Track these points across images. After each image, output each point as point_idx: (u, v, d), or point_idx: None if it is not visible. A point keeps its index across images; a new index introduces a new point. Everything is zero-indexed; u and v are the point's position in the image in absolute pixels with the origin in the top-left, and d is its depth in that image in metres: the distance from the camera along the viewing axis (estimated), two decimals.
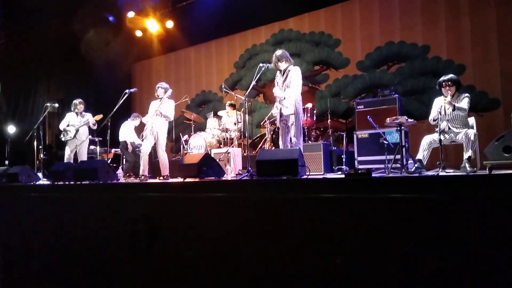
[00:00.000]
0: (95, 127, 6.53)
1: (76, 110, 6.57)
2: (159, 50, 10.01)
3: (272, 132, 6.52)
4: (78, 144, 6.48)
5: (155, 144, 5.57)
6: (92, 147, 7.51)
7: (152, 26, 9.06)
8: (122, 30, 9.25)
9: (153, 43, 9.76)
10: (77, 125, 6.41)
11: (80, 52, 8.70)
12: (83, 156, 6.52)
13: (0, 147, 7.79)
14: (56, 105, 6.68)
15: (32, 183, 5.42)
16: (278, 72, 4.62)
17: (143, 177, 5.34)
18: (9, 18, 7.90)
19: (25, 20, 8.07)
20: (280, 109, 4.49)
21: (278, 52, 4.52)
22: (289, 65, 4.51)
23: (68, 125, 6.46)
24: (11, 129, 8.13)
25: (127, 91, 5.48)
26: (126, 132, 7.14)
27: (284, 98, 4.45)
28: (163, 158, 5.47)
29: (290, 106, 4.40)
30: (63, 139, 6.50)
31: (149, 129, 5.46)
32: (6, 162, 7.01)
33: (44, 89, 9.23)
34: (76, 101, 6.61)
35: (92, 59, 8.86)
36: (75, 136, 6.42)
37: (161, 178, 5.40)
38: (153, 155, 6.43)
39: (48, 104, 6.76)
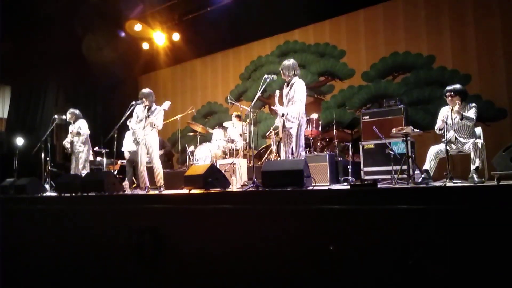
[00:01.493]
0: (78, 137, 6.42)
1: (70, 121, 6.58)
2: (165, 62, 10.13)
3: (277, 143, 6.51)
4: (77, 157, 6.42)
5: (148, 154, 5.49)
6: (98, 158, 7.55)
7: (159, 38, 9.18)
8: (129, 42, 9.38)
9: (160, 55, 9.88)
10: (70, 137, 6.44)
11: (88, 65, 8.83)
12: (79, 170, 6.34)
13: (8, 159, 7.87)
14: (64, 117, 6.73)
15: (39, 195, 5.45)
16: (285, 83, 4.66)
17: (146, 189, 5.32)
18: (19, 31, 8.05)
19: (34, 33, 8.22)
20: (284, 122, 4.50)
21: (286, 62, 4.56)
22: (293, 77, 4.54)
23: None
24: (20, 141, 8.22)
25: (133, 103, 5.51)
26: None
27: (283, 115, 4.45)
28: (158, 168, 5.38)
29: (293, 119, 4.42)
30: (66, 152, 6.56)
31: (141, 141, 5.36)
32: (14, 174, 7.07)
33: (53, 102, 9.35)
34: (67, 112, 6.60)
35: (100, 71, 8.98)
36: (72, 149, 6.41)
37: (157, 188, 5.35)
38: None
39: (56, 117, 6.82)
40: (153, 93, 5.55)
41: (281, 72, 4.57)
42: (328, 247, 2.73)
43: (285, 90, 4.60)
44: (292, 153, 4.49)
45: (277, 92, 4.68)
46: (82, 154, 6.44)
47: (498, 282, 2.19)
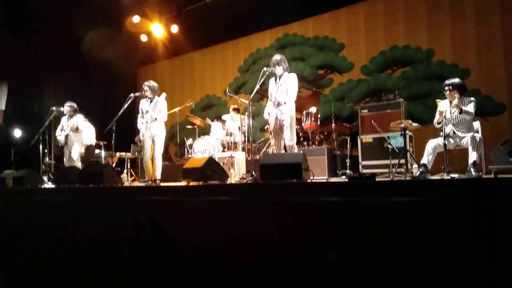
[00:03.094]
0: (77, 131, 6.45)
1: (67, 114, 6.58)
2: (164, 55, 10.09)
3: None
4: (70, 150, 6.44)
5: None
6: (97, 151, 7.54)
7: (157, 30, 9.12)
8: (127, 35, 9.33)
9: (158, 47, 9.83)
10: (66, 130, 6.44)
11: (86, 57, 8.78)
12: (73, 162, 6.36)
13: (6, 151, 7.85)
14: (62, 109, 6.71)
15: (37, 187, 5.45)
16: (273, 78, 4.74)
17: (151, 181, 5.33)
18: (17, 23, 8.00)
19: (32, 25, 8.17)
20: (276, 114, 4.54)
21: (278, 56, 4.63)
22: (285, 71, 4.63)
23: (62, 130, 6.51)
24: (17, 133, 8.19)
25: (132, 95, 5.48)
26: (92, 134, 7.08)
27: (285, 103, 4.52)
28: (158, 161, 5.39)
29: (287, 111, 4.47)
30: (59, 144, 6.55)
31: (146, 133, 5.38)
32: (12, 165, 7.06)
33: (51, 93, 9.31)
34: (66, 104, 6.58)
35: (98, 63, 8.93)
36: (66, 142, 6.41)
37: (152, 180, 5.35)
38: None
39: (53, 108, 6.79)
40: (157, 87, 5.52)
41: (279, 65, 4.60)
42: (326, 245, 2.74)
43: (276, 83, 4.67)
44: (285, 148, 4.55)
45: (271, 81, 4.75)
46: (76, 148, 6.46)
47: (493, 276, 2.21)
